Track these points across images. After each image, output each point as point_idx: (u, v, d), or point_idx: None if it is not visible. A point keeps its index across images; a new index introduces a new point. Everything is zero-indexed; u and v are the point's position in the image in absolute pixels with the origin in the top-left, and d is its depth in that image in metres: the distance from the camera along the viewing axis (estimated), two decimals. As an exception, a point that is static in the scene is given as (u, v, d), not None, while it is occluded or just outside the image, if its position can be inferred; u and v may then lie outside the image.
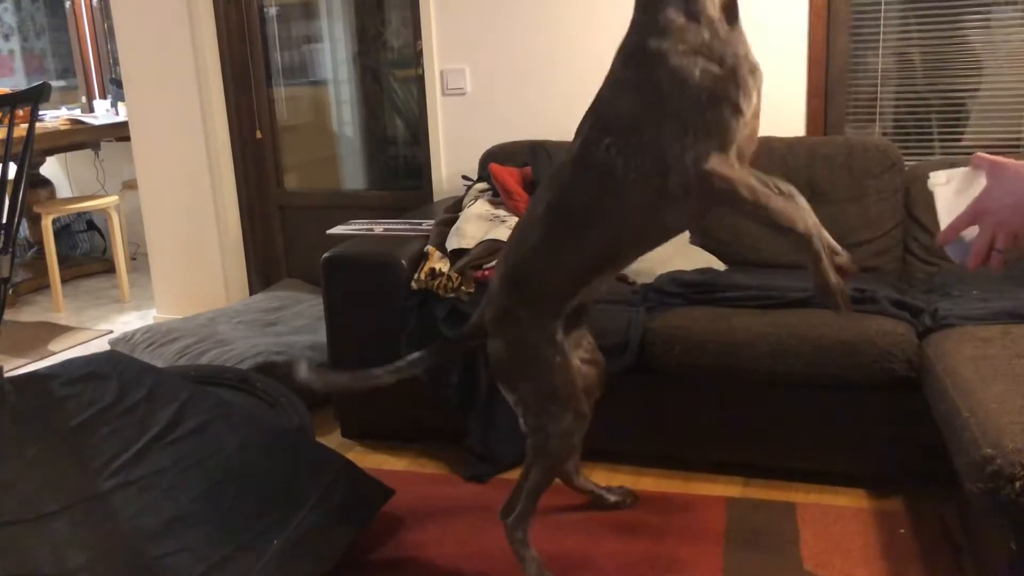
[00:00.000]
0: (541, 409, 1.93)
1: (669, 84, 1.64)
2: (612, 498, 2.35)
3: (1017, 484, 1.54)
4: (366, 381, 2.09)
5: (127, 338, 3.46)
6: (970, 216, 1.24)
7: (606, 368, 2.14)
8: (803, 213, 1.68)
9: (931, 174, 1.36)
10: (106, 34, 5.70)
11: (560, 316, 1.91)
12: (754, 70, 1.67)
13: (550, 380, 1.90)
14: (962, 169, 1.32)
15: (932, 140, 3.15)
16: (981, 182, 1.26)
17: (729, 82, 1.62)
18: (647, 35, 1.68)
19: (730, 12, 1.67)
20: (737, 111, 1.63)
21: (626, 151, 1.72)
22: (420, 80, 3.60)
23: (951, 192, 1.31)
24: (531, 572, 1.98)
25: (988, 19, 2.99)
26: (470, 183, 3.18)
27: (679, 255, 2.86)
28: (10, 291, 2.82)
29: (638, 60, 1.70)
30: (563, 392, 1.91)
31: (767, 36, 3.14)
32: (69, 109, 5.56)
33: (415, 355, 2.07)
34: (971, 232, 1.25)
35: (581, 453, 2.65)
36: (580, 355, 2.05)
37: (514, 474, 2.55)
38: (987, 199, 1.23)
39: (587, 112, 1.83)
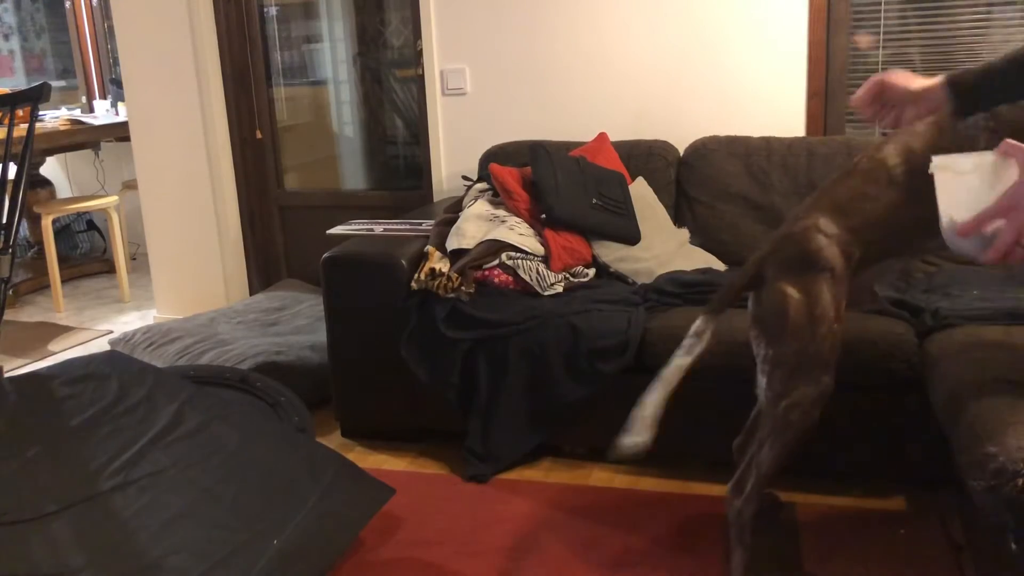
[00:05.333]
0: (797, 373, 1.81)
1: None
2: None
3: (1019, 481, 1.53)
4: None
5: (127, 338, 3.46)
6: (999, 210, 1.17)
7: None
8: None
9: (933, 158, 1.28)
10: (106, 34, 5.71)
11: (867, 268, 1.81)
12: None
13: (820, 342, 1.80)
14: (988, 156, 1.24)
15: (932, 140, 3.14)
16: (1011, 172, 1.19)
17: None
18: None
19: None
20: None
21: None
22: (420, 80, 3.60)
23: (975, 181, 1.23)
24: (736, 569, 1.90)
25: (988, 19, 2.99)
26: (470, 183, 3.18)
27: (679, 255, 2.86)
28: (10, 291, 2.82)
29: None
30: (826, 357, 1.81)
31: (767, 36, 3.14)
32: (69, 109, 5.56)
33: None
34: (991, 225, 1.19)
35: (582, 454, 2.67)
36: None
37: (514, 474, 2.55)
38: (1020, 195, 1.16)
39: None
